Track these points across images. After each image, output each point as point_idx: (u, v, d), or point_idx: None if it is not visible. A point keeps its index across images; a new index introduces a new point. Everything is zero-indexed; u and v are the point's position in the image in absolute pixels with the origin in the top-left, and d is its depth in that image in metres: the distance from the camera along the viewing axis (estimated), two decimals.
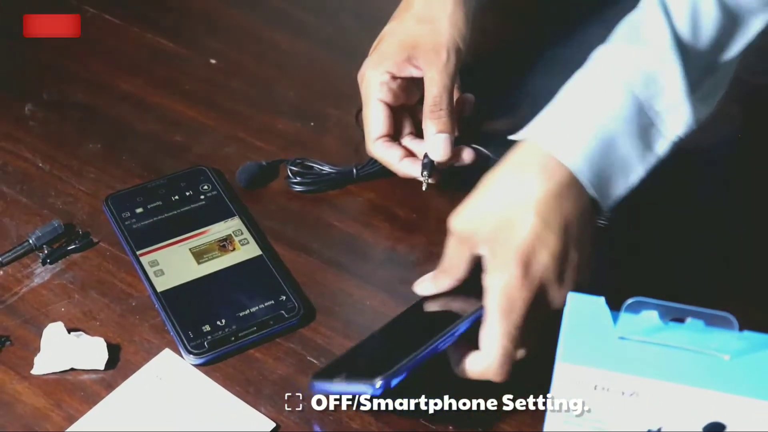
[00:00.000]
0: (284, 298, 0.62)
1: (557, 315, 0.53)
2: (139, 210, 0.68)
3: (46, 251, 0.65)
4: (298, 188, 0.71)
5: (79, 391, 0.58)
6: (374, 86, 0.69)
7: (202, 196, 0.69)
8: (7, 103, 0.78)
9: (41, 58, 0.83)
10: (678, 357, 0.48)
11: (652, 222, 0.69)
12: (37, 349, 0.59)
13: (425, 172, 0.67)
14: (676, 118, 0.59)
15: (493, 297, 0.54)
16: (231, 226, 0.67)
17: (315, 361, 0.60)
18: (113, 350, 0.59)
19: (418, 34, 0.69)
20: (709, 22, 0.59)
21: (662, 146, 0.59)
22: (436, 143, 0.67)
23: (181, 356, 0.60)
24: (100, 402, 0.57)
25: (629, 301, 0.48)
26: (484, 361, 0.55)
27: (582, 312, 0.50)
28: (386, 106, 0.69)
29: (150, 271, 0.64)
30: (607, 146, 0.57)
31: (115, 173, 0.72)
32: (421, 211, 0.70)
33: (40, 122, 0.76)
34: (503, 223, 0.55)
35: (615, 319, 0.49)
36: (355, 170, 0.71)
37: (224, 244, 0.66)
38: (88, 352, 0.59)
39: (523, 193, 0.56)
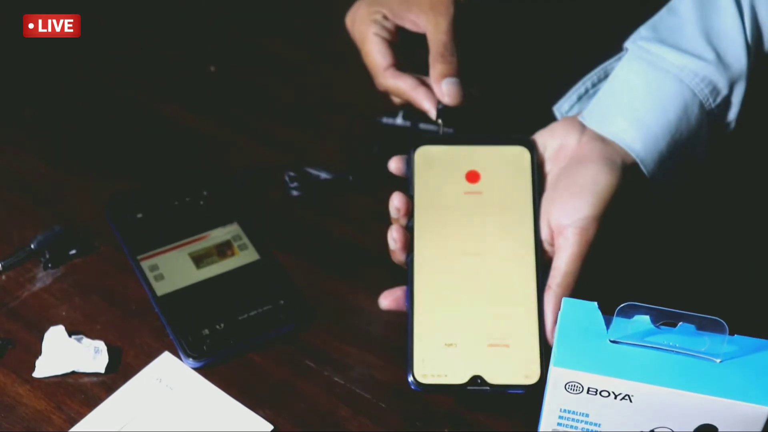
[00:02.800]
0: (283, 302, 0.63)
1: None
2: (140, 215, 0.68)
3: (47, 255, 0.66)
4: (295, 194, 0.71)
5: (79, 393, 0.58)
6: (367, 23, 0.68)
7: (202, 202, 0.70)
8: (10, 107, 0.79)
9: (44, 63, 0.84)
10: (670, 361, 0.49)
11: (642, 227, 0.69)
12: (39, 353, 0.60)
13: (440, 120, 0.65)
14: (726, 131, 0.63)
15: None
16: (230, 231, 0.68)
17: (313, 365, 0.60)
18: (113, 353, 0.60)
19: None
20: None
21: (716, 135, 0.64)
22: (448, 88, 0.65)
23: (181, 359, 0.60)
24: (100, 404, 0.58)
25: (621, 305, 0.49)
26: None
27: (575, 317, 0.51)
28: (383, 39, 0.68)
29: (150, 276, 0.65)
30: (679, 157, 0.61)
31: (116, 178, 0.73)
32: None
33: (42, 127, 0.77)
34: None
35: (607, 323, 0.50)
36: (351, 177, 0.72)
37: (223, 249, 0.67)
38: (89, 355, 0.59)
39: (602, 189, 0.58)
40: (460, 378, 0.55)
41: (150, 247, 0.66)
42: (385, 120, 0.73)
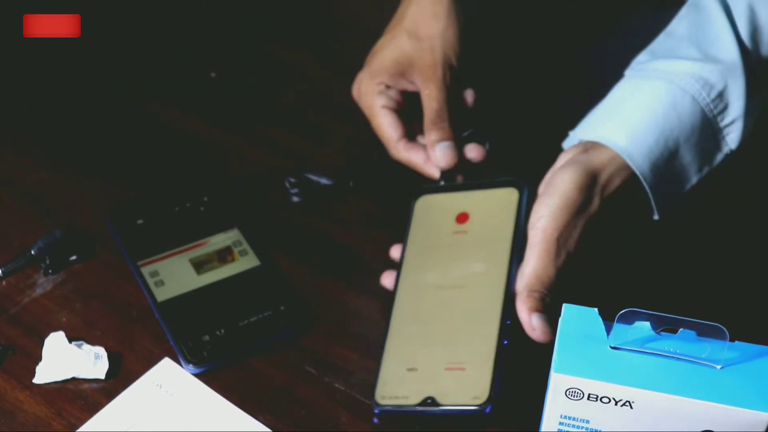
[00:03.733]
0: (283, 308, 0.63)
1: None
2: (140, 221, 0.69)
3: (48, 261, 0.66)
4: (296, 199, 0.71)
5: (80, 399, 0.58)
6: (373, 95, 0.69)
7: (202, 208, 0.70)
8: (11, 113, 0.79)
9: (45, 69, 0.84)
10: (670, 367, 0.49)
11: (643, 233, 0.69)
12: (39, 358, 0.60)
13: (442, 182, 0.67)
14: (734, 134, 0.62)
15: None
16: (230, 237, 0.68)
17: (313, 371, 0.60)
18: (114, 359, 0.60)
19: (412, 51, 0.69)
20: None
21: (718, 159, 0.63)
22: (440, 152, 0.67)
23: (181, 365, 0.60)
24: (101, 410, 0.58)
25: (622, 312, 0.49)
26: None
27: (576, 323, 0.51)
28: (391, 111, 0.69)
29: (150, 282, 0.65)
30: (672, 155, 0.61)
31: (117, 184, 0.73)
32: None
33: (42, 133, 0.77)
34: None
35: (608, 329, 0.50)
36: (352, 183, 0.72)
37: (224, 255, 0.67)
38: (89, 361, 0.59)
39: (597, 205, 0.60)
40: (414, 399, 0.56)
41: (150, 252, 0.66)
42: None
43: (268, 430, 0.57)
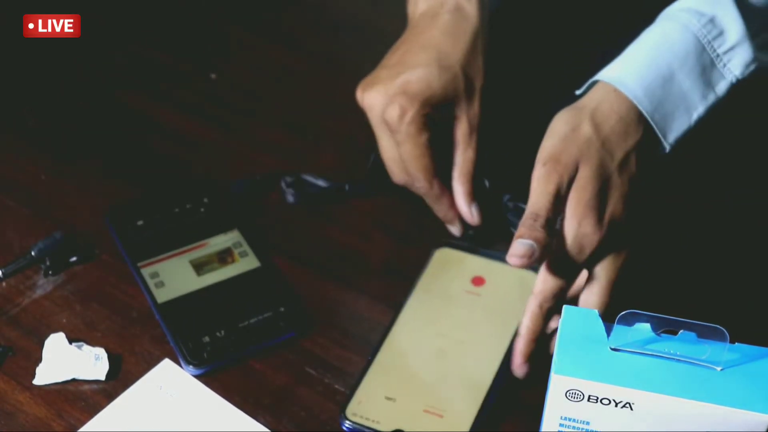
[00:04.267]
0: (283, 309, 0.63)
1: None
2: (140, 222, 0.69)
3: (48, 263, 0.66)
4: (291, 200, 0.71)
5: (80, 401, 0.58)
6: (421, 126, 0.64)
7: (202, 209, 0.70)
8: (12, 115, 0.79)
9: (45, 71, 0.84)
10: (670, 368, 0.49)
11: (643, 234, 0.69)
12: (39, 360, 0.60)
13: (470, 231, 0.68)
14: (736, 60, 0.61)
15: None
16: (230, 238, 0.68)
17: (313, 372, 0.60)
18: (114, 361, 0.60)
19: (454, 88, 0.65)
20: None
21: (722, 87, 0.62)
22: (476, 209, 0.67)
23: (181, 367, 0.60)
24: (101, 412, 0.58)
25: (622, 313, 0.49)
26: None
27: (576, 324, 0.51)
28: (431, 146, 0.66)
29: (150, 283, 0.65)
30: (667, 80, 0.60)
31: (117, 186, 0.73)
32: (418, 224, 0.71)
33: (43, 135, 0.77)
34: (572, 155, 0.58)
35: (608, 331, 0.50)
36: (347, 186, 0.71)
37: (224, 256, 0.67)
38: (90, 362, 0.59)
39: (589, 130, 0.58)
40: (384, 427, 0.56)
41: (151, 254, 0.66)
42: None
43: (268, 431, 0.57)
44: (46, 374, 0.59)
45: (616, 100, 0.59)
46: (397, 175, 0.67)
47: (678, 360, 0.49)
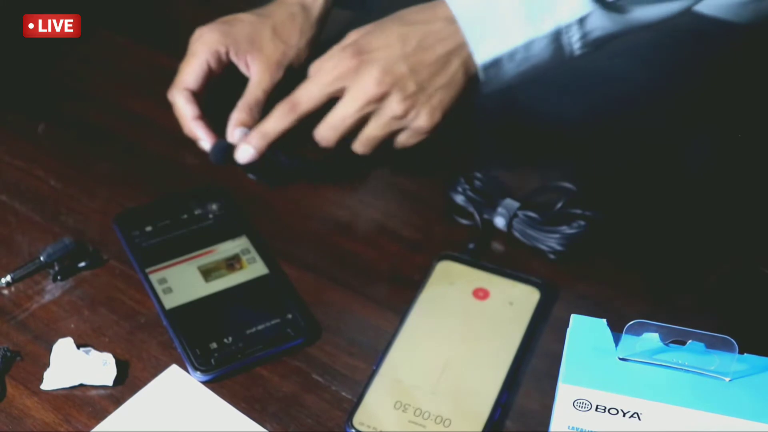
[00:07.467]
0: (290, 316, 0.63)
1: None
2: (148, 228, 0.69)
3: (56, 268, 0.66)
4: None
5: (87, 406, 0.58)
6: (210, 48, 0.72)
7: (211, 215, 0.70)
8: (22, 122, 0.80)
9: (55, 78, 0.84)
10: (679, 379, 0.49)
11: (653, 244, 0.69)
12: (47, 365, 0.60)
13: (471, 244, 0.68)
14: (566, 5, 0.63)
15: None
16: (238, 244, 0.68)
17: (320, 380, 0.60)
18: (121, 366, 0.60)
19: (271, 47, 0.73)
20: None
21: (546, 25, 0.64)
22: (239, 136, 0.71)
23: (188, 373, 0.60)
24: (108, 417, 0.58)
25: (630, 323, 0.49)
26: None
27: (584, 334, 0.51)
28: (209, 71, 0.73)
29: (158, 289, 0.65)
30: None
31: (126, 192, 0.73)
32: (425, 232, 0.71)
33: (53, 141, 0.78)
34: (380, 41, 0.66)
35: (616, 340, 0.50)
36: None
37: (232, 263, 0.67)
38: (97, 368, 0.59)
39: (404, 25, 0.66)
40: None
41: (159, 260, 0.66)
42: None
43: None
44: (53, 379, 0.59)
45: (438, 7, 0.66)
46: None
47: (686, 370, 0.49)
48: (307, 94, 0.68)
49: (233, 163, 0.71)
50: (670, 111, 0.80)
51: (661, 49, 0.82)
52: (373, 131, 0.68)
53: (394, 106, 0.66)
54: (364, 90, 0.66)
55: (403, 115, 0.66)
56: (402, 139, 0.69)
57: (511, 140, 0.78)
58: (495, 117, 0.73)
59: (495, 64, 0.66)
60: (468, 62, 0.66)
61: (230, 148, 0.71)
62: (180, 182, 0.74)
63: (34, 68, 0.85)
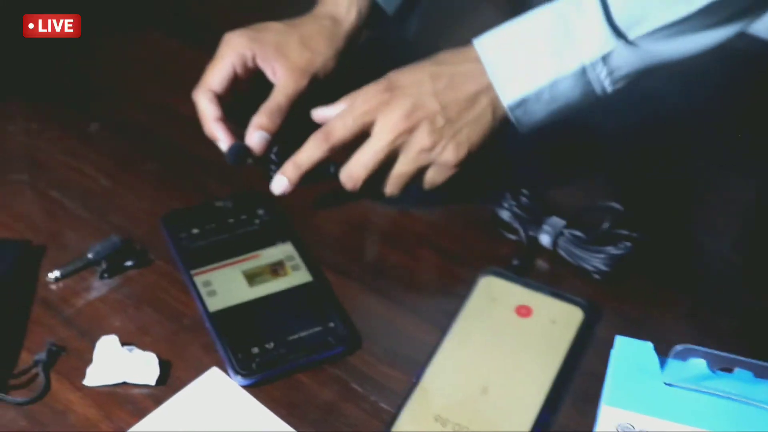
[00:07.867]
0: (332, 324, 0.63)
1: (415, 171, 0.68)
2: (195, 230, 0.69)
3: (104, 266, 0.67)
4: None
5: (128, 404, 0.59)
6: (236, 52, 0.74)
7: (257, 220, 0.71)
8: (74, 121, 0.81)
9: (105, 79, 0.86)
10: (724, 407, 0.48)
11: (696, 265, 0.69)
12: (90, 361, 0.60)
13: (516, 261, 0.68)
14: (592, 40, 0.64)
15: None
16: (283, 251, 0.68)
17: (359, 389, 0.60)
18: (164, 366, 0.61)
19: (297, 54, 0.74)
20: None
21: (570, 63, 0.65)
22: (259, 140, 0.72)
23: (229, 376, 0.61)
24: (148, 415, 0.58)
25: (678, 348, 0.49)
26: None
27: (629, 356, 0.50)
28: (234, 75, 0.74)
29: (203, 291, 0.65)
30: (517, 39, 0.66)
31: (173, 193, 0.74)
32: (468, 246, 0.71)
33: (104, 141, 0.79)
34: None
35: (662, 365, 0.49)
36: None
37: (276, 269, 0.67)
38: (140, 366, 0.60)
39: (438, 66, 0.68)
40: None
41: (204, 262, 0.67)
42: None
43: None
44: (96, 376, 0.60)
45: (468, 52, 0.68)
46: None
47: (732, 399, 0.48)
48: (341, 124, 0.68)
49: (246, 164, 0.72)
50: (719, 132, 0.80)
51: (712, 69, 0.81)
52: (402, 167, 0.68)
53: (422, 138, 0.67)
54: (394, 121, 0.67)
55: (431, 147, 0.67)
56: (430, 175, 0.69)
57: (557, 158, 0.78)
58: (543, 135, 0.72)
59: (521, 104, 0.67)
60: (495, 102, 0.67)
61: (245, 150, 0.72)
62: (226, 186, 0.75)
63: (89, 68, 0.86)
